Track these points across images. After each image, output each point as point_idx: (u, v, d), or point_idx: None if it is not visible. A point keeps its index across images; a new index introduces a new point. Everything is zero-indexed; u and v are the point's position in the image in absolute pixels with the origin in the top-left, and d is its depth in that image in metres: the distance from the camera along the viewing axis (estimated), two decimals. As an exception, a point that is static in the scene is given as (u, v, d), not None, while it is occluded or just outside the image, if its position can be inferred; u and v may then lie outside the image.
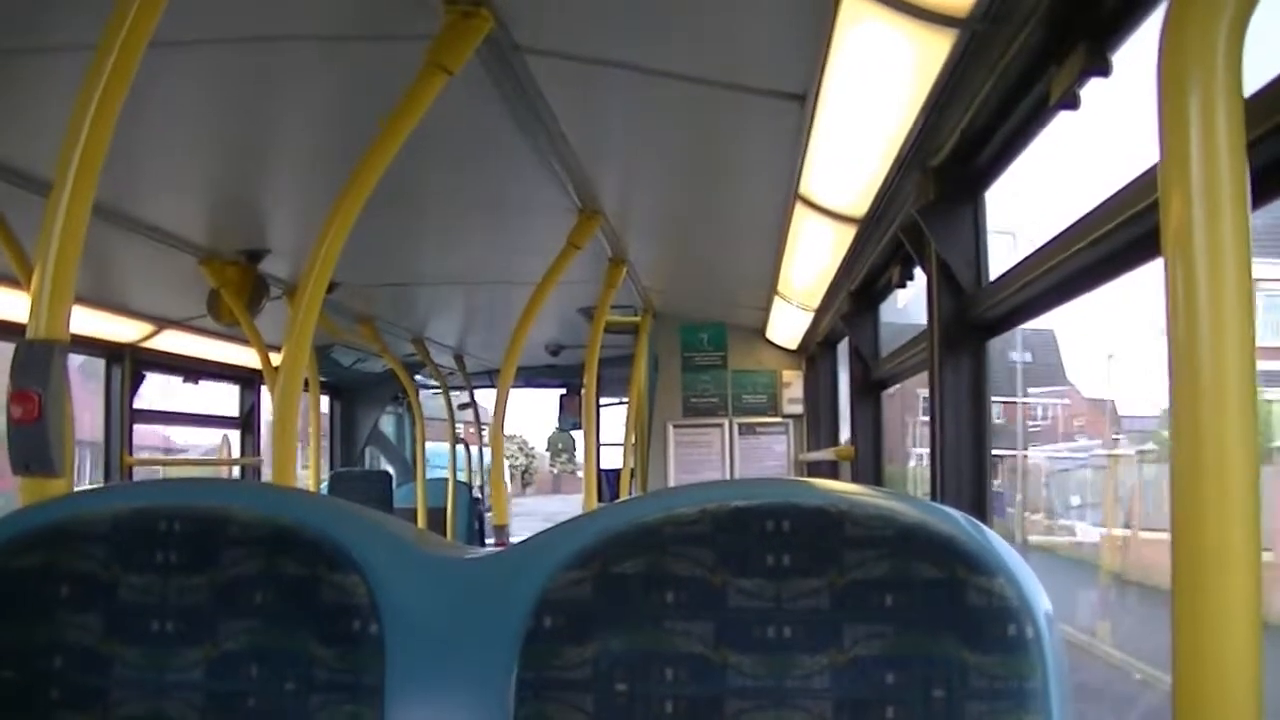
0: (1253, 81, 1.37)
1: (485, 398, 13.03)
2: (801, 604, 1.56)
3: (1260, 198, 1.43)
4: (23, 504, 2.12)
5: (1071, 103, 2.42)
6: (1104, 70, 2.30)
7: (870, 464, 6.23)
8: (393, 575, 1.68)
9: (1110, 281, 2.60)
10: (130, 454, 7.70)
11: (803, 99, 3.28)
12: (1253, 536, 1.25)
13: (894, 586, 1.54)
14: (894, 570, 1.54)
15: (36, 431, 2.20)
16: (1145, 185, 2.18)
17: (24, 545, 1.74)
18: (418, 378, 10.70)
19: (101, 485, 6.57)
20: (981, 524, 1.60)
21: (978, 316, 3.42)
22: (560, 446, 15.38)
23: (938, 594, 1.53)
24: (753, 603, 1.57)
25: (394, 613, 1.65)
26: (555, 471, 44.63)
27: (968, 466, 3.48)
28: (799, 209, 4.50)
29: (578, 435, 12.72)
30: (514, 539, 5.02)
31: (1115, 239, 2.37)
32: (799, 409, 8.74)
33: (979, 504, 3.43)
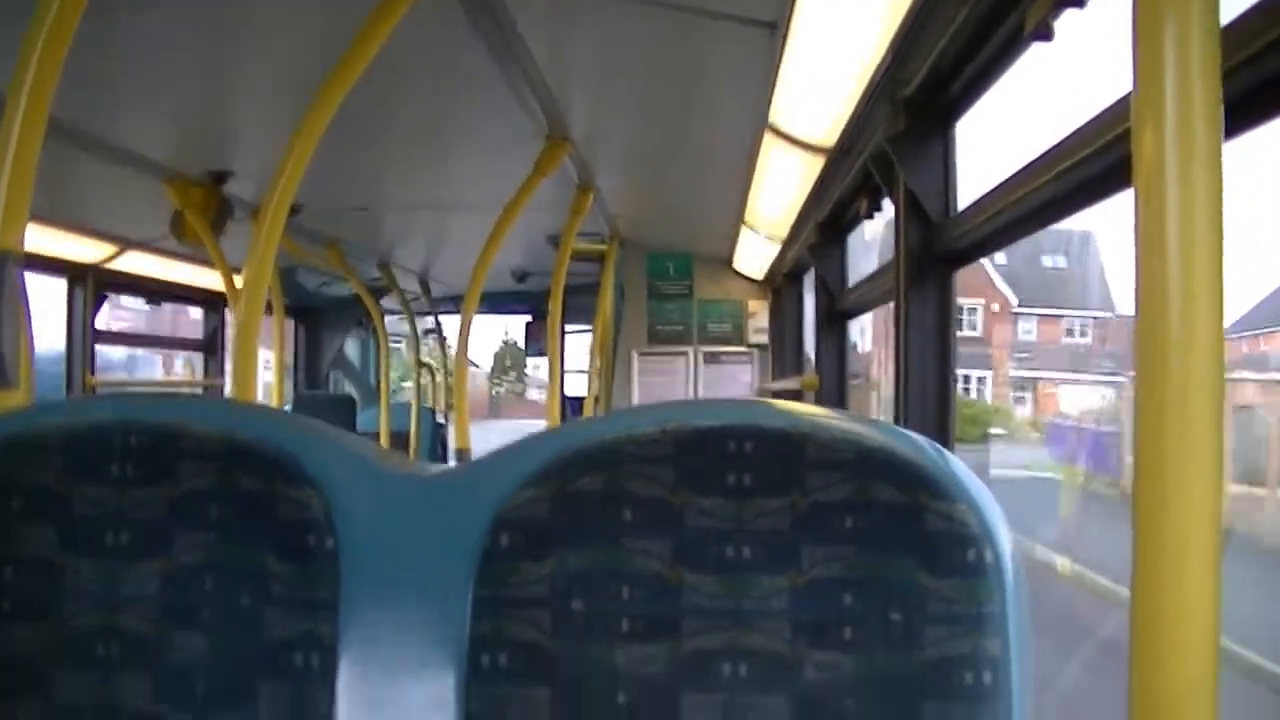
0: (1229, 11, 1.36)
1: (451, 323, 12.99)
2: (761, 524, 1.56)
3: (1233, 129, 1.43)
4: None
5: (1045, 34, 2.42)
6: (1079, 1, 2.30)
7: (834, 393, 6.27)
8: (349, 491, 1.67)
9: (1079, 211, 2.61)
10: (92, 375, 7.66)
11: (774, 26, 3.26)
12: (1215, 464, 1.26)
13: (854, 509, 1.54)
14: (855, 493, 1.55)
15: None
16: (1116, 115, 2.19)
17: None
18: (383, 302, 10.68)
19: (59, 399, 6.54)
20: (944, 449, 1.61)
21: (945, 247, 3.43)
22: (508, 364, 15.35)
23: (898, 517, 1.53)
24: (712, 523, 1.57)
25: (350, 528, 1.65)
26: (498, 394, 41.44)
27: (932, 394, 3.51)
28: (768, 139, 4.49)
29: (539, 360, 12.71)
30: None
31: (1085, 169, 2.37)
32: (764, 339, 8.77)
33: (942, 430, 3.46)
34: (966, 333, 25.16)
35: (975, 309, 26.10)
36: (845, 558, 1.54)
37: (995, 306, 26.83)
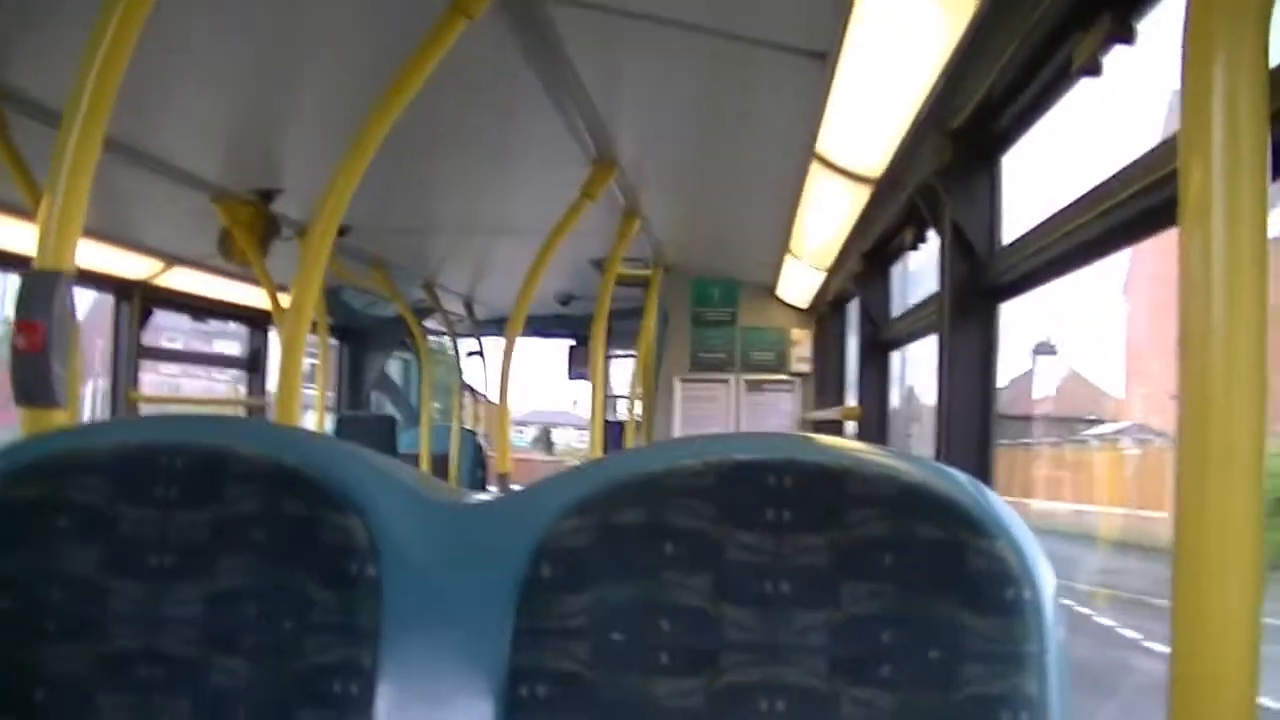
0: (1277, 54, 1.36)
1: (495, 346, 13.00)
2: (801, 560, 1.55)
3: None
4: (24, 434, 2.12)
5: (1094, 69, 2.41)
6: (1128, 38, 2.29)
7: (876, 424, 6.24)
8: (392, 518, 1.68)
9: (1124, 248, 2.60)
10: (137, 390, 7.71)
11: (824, 57, 3.26)
12: (1255, 505, 1.25)
13: (894, 546, 1.54)
14: (894, 530, 1.54)
15: (39, 362, 2.19)
16: (1163, 154, 2.18)
17: (25, 476, 1.73)
18: (427, 324, 10.70)
19: (107, 420, 6.58)
20: (984, 486, 1.60)
21: (990, 281, 3.41)
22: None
23: (937, 555, 1.52)
24: (752, 557, 1.56)
25: (392, 556, 1.65)
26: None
27: (973, 429, 3.48)
28: (814, 168, 4.48)
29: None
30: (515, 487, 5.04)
31: (1131, 206, 2.36)
32: (807, 368, 8.73)
33: (983, 467, 3.43)
34: None
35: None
36: (884, 595, 1.53)
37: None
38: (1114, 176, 2.43)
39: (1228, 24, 1.25)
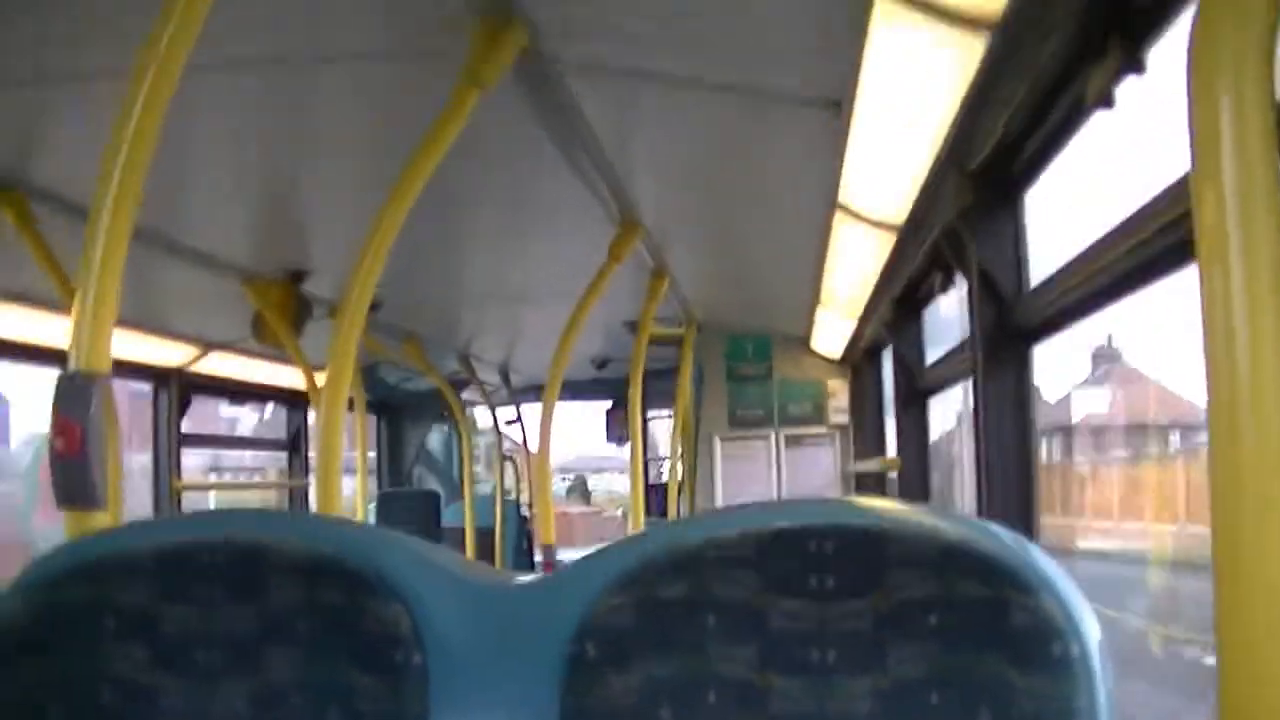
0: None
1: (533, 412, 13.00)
2: (845, 626, 1.54)
3: None
4: (67, 537, 2.12)
5: (1108, 102, 2.40)
6: (1138, 68, 2.29)
7: (916, 475, 6.19)
8: (436, 604, 1.68)
9: (1153, 283, 2.58)
10: (179, 478, 7.74)
11: (839, 105, 3.26)
12: None
13: (937, 606, 1.52)
14: (937, 590, 1.52)
15: (79, 465, 2.18)
16: (1180, 192, 2.16)
17: (69, 580, 1.74)
18: (465, 395, 10.72)
19: (147, 519, 6.62)
20: (1027, 540, 1.58)
21: (1020, 323, 3.39)
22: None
23: (982, 613, 1.50)
24: (796, 625, 1.55)
25: (438, 642, 1.65)
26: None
27: (1013, 479, 3.44)
28: (838, 216, 4.49)
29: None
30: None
31: (1155, 244, 2.35)
32: (845, 419, 8.70)
33: (1025, 517, 3.39)
34: None
35: None
36: (930, 656, 1.51)
37: None
38: (1135, 215, 2.42)
39: (1231, 59, 1.25)
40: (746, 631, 1.56)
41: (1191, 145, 1.28)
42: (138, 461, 7.87)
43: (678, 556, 1.60)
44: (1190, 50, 1.30)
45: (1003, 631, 1.49)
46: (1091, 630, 1.51)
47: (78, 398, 2.20)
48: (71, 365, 2.23)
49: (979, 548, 1.53)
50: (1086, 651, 1.49)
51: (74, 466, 2.19)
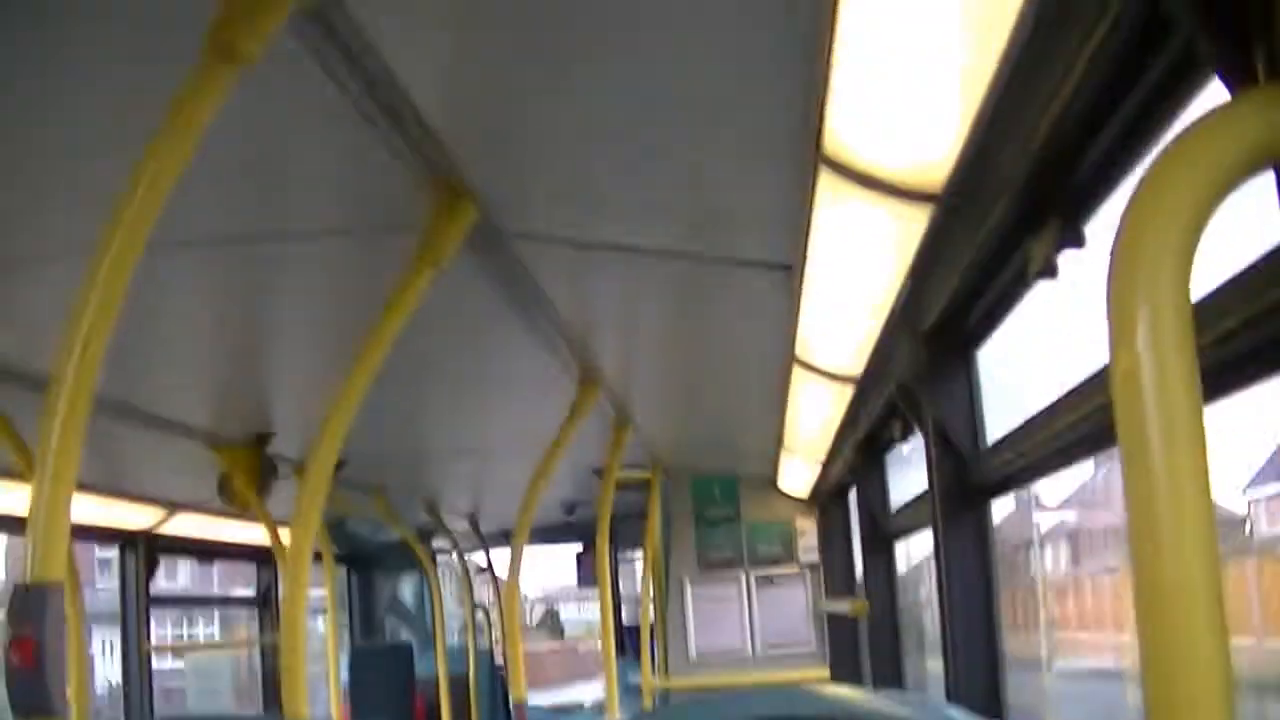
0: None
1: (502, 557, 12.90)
2: None
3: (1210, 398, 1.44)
4: None
5: (1051, 272, 2.44)
6: (1078, 242, 2.33)
7: (884, 620, 6.15)
8: None
9: (1101, 453, 2.61)
10: (149, 641, 7.66)
11: (789, 269, 3.32)
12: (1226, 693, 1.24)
13: None
14: None
15: (35, 677, 2.16)
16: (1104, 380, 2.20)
17: None
18: (435, 542, 10.65)
19: None
20: None
21: (977, 480, 3.41)
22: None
23: None
24: None
25: None
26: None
27: (977, 636, 3.38)
28: (797, 370, 4.53)
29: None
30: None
31: (1094, 421, 2.39)
32: (815, 557, 8.67)
33: (992, 689, 3.33)
34: None
35: None
36: None
37: None
38: (1073, 391, 2.46)
39: (1149, 268, 1.28)
40: None
41: (1110, 349, 1.30)
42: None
43: None
44: (1112, 256, 1.32)
45: None
46: None
47: (33, 610, 2.17)
48: (27, 576, 2.20)
49: None
50: None
51: (31, 679, 2.16)
